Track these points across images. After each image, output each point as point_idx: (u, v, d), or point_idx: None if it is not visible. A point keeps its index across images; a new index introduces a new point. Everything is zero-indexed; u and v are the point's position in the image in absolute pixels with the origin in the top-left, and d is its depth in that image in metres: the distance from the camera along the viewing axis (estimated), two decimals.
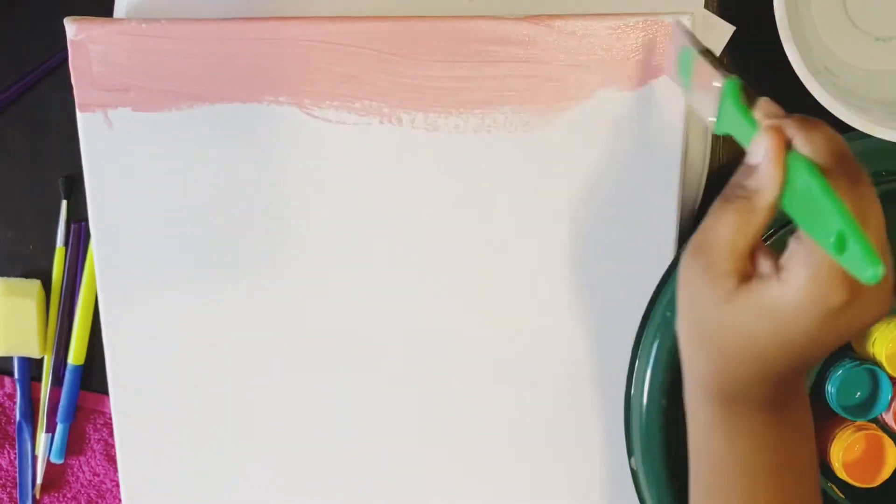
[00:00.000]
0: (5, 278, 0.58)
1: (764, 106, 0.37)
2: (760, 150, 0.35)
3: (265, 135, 0.52)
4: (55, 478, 0.61)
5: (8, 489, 0.61)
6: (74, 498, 0.61)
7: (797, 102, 0.52)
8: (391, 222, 0.53)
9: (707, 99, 0.39)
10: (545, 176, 0.53)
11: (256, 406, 0.56)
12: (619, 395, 0.56)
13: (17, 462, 0.60)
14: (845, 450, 0.53)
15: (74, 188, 0.57)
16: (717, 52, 0.55)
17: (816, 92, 0.51)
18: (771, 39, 0.51)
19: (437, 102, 0.52)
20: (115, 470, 0.58)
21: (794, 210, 0.34)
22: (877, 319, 0.35)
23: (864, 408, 0.54)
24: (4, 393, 0.60)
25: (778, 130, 0.35)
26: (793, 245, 0.35)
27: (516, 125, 0.52)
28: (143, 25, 0.50)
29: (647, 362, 0.54)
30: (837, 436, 0.54)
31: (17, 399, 0.59)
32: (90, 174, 0.52)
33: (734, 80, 0.38)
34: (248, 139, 0.52)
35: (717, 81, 0.39)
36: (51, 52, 0.56)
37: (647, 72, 0.51)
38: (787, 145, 0.35)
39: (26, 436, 0.60)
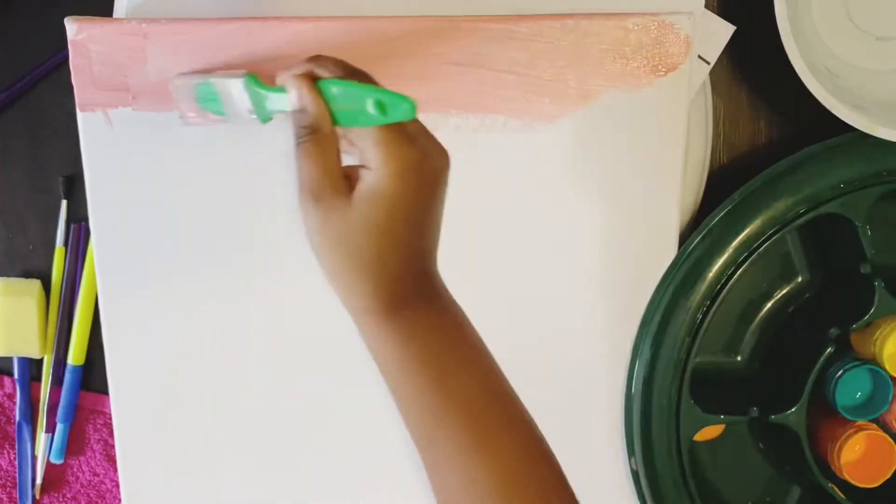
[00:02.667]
0: (5, 278, 0.58)
1: (279, 75, 0.44)
2: (296, 95, 0.42)
3: (265, 134, 0.52)
4: (55, 478, 0.61)
5: (8, 489, 0.61)
6: (74, 498, 0.61)
7: (798, 102, 0.52)
8: None
9: (241, 104, 0.45)
10: (545, 176, 0.53)
11: (256, 406, 0.55)
12: (619, 395, 0.56)
13: (16, 462, 0.60)
14: (846, 450, 0.53)
15: (74, 188, 0.57)
16: (718, 52, 0.55)
17: (817, 91, 0.51)
18: (771, 39, 0.51)
19: (438, 102, 0.52)
20: (115, 470, 0.58)
21: (345, 119, 0.41)
22: (446, 166, 0.42)
23: (865, 408, 0.54)
24: (4, 393, 0.60)
25: (300, 75, 0.42)
26: (360, 144, 0.41)
27: (516, 125, 0.52)
28: (143, 25, 0.50)
29: (647, 362, 0.54)
30: (838, 436, 0.54)
31: (17, 399, 0.59)
32: (90, 174, 0.52)
33: (246, 73, 0.45)
34: (248, 139, 0.52)
35: (237, 79, 0.45)
36: (51, 52, 0.56)
37: (647, 72, 0.51)
38: (312, 81, 0.42)
39: (26, 436, 0.60)
